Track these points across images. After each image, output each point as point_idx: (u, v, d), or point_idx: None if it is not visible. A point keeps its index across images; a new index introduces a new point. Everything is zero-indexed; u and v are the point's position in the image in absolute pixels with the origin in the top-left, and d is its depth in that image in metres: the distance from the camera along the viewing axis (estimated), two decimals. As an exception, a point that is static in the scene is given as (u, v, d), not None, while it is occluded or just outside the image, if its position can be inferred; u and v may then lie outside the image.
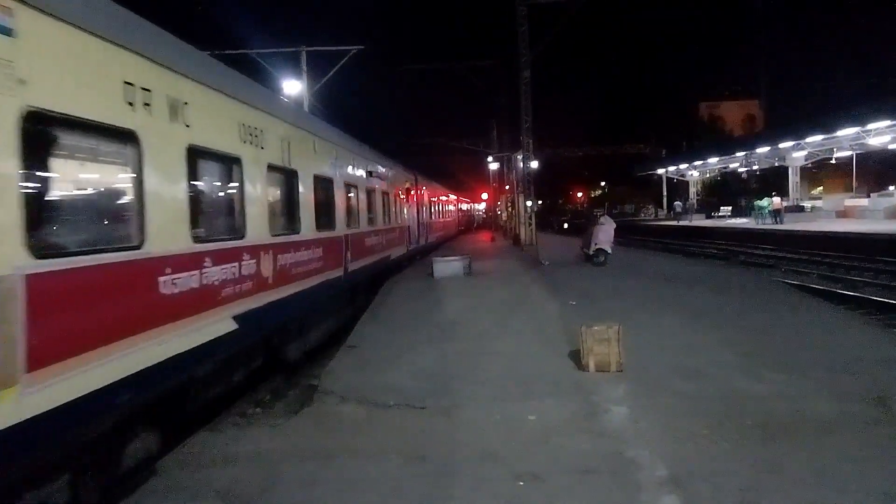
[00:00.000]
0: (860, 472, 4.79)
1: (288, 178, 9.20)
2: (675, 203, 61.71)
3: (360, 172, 14.10)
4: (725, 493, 4.56)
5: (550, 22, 27.53)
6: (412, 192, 23.49)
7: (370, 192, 15.11)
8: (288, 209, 9.22)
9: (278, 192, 8.95)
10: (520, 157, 31.49)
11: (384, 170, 17.31)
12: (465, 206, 61.74)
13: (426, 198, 28.59)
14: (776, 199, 40.67)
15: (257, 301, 7.50)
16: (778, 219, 39.56)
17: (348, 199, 12.72)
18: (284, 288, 8.48)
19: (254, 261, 7.50)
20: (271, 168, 8.35)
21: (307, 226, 9.73)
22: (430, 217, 30.61)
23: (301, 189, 9.51)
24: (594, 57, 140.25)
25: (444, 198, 38.63)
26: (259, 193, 7.88)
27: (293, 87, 24.68)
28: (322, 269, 10.34)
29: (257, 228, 7.73)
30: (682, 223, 50.99)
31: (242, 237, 7.30)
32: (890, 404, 6.19)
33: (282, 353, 9.23)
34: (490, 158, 50.01)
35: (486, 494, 4.75)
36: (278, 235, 8.40)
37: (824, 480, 4.69)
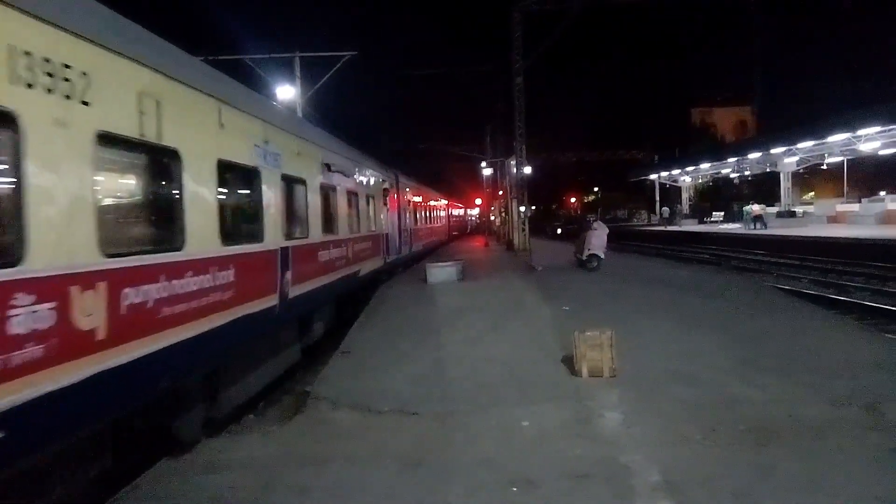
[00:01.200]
0: (852, 477, 4.81)
1: (155, 162, 5.71)
2: (663, 209, 62.91)
3: (311, 164, 10.44)
4: (719, 498, 4.58)
5: (545, 28, 27.65)
6: (392, 194, 19.94)
7: (328, 192, 11.40)
8: (154, 212, 5.80)
9: (130, 184, 5.61)
10: (513, 162, 31.57)
11: (350, 165, 13.66)
12: (457, 212, 60.44)
13: (410, 201, 25.05)
14: (755, 207, 43.03)
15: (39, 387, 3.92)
16: (759, 225, 40.70)
17: (289, 198, 9.16)
18: (136, 345, 4.95)
19: (49, 306, 4.00)
20: (109, 140, 4.83)
21: (201, 237, 6.22)
22: (416, 223, 26.81)
23: (188, 181, 6.01)
24: (588, 63, 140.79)
25: (432, 201, 35.35)
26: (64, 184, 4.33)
27: (287, 92, 24.67)
28: (233, 300, 6.75)
29: (56, 248, 4.19)
30: (669, 228, 51.83)
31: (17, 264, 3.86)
32: (882, 409, 6.22)
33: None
34: (484, 164, 50.09)
35: (480, 500, 4.75)
36: (125, 256, 4.96)
37: (817, 485, 4.71)
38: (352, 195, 13.52)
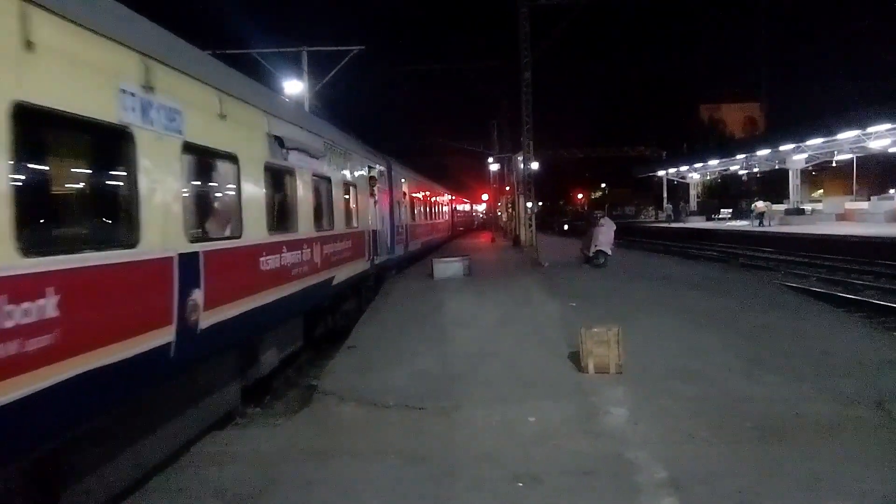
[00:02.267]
0: (858, 476, 4.79)
1: None
2: (667, 206, 63.13)
3: (248, 135, 7.55)
4: (724, 495, 4.57)
5: (552, 23, 27.52)
6: (383, 185, 16.88)
7: (279, 175, 8.66)
8: None
9: None
10: (520, 158, 31.50)
11: (318, 143, 10.40)
12: (462, 207, 59.17)
13: (406, 194, 22.29)
14: (759, 204, 43.74)
15: None
16: (762, 222, 41.11)
17: (200, 181, 6.67)
18: None
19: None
20: None
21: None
22: (413, 218, 24.11)
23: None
24: (595, 59, 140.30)
25: (433, 195, 32.06)
26: None
27: (295, 87, 24.69)
28: (52, 352, 3.94)
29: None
30: (673, 225, 51.99)
31: None
32: (889, 408, 6.19)
33: None
34: (490, 159, 50.03)
35: (485, 495, 4.75)
36: None
37: (822, 483, 4.69)
38: (321, 182, 10.48)
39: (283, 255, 8.29)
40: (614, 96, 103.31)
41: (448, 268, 18.14)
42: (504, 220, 50.25)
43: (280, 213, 8.65)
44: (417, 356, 8.92)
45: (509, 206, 44.48)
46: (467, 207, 65.34)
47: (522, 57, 27.37)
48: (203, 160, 6.53)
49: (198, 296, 5.90)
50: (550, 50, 28.45)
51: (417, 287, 16.23)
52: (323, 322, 11.44)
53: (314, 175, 10.07)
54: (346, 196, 12.44)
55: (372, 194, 15.20)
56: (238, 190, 7.09)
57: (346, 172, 12.47)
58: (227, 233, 6.99)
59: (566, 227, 63.27)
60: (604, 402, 6.68)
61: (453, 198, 46.28)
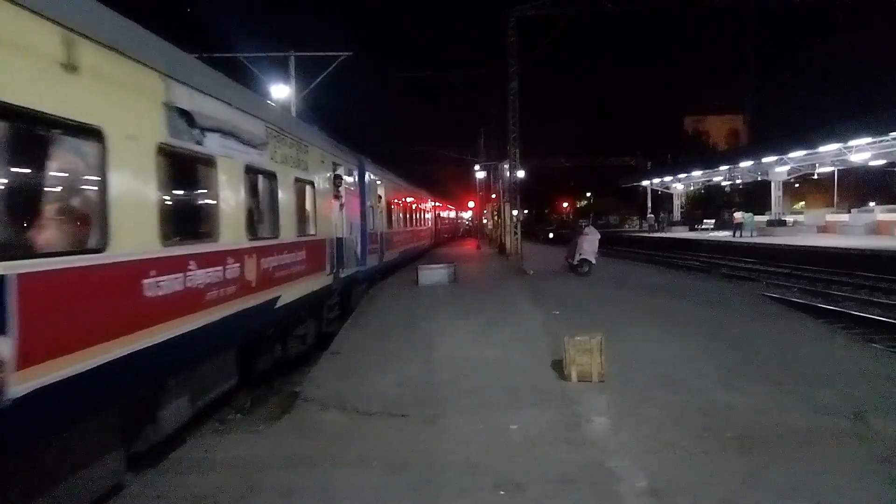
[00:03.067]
0: (837, 486, 4.84)
1: None
2: (649, 216, 64.06)
3: (129, 101, 5.41)
4: (704, 504, 4.59)
5: (539, 34, 27.73)
6: (352, 186, 14.74)
7: (193, 165, 6.64)
8: None
9: None
10: (506, 166, 31.62)
11: (254, 126, 8.15)
12: (449, 214, 58.29)
13: (383, 198, 19.57)
14: (737, 214, 45.19)
15: None
16: (742, 233, 41.76)
17: (27, 164, 4.42)
18: None
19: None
20: None
21: None
22: (390, 225, 21.39)
23: None
24: (582, 69, 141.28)
25: (414, 200, 29.41)
26: None
27: (281, 91, 24.63)
28: None
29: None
30: (654, 235, 52.65)
31: None
32: (868, 418, 6.26)
33: None
34: (477, 167, 50.15)
35: (467, 503, 4.74)
36: None
37: (802, 493, 4.73)
38: (260, 178, 8.36)
39: (189, 273, 6.02)
40: (600, 106, 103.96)
41: (433, 275, 18.15)
42: (490, 227, 50.33)
43: (186, 217, 6.49)
44: (401, 363, 8.90)
45: (495, 213, 44.58)
46: (452, 214, 64.84)
47: (509, 66, 27.53)
48: (25, 131, 4.25)
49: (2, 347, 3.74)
50: (537, 60, 28.61)
51: (402, 294, 16.21)
52: (268, 352, 9.22)
53: (250, 168, 7.77)
54: (300, 197, 10.10)
55: (337, 196, 12.62)
56: (103, 180, 4.87)
57: (301, 168, 10.14)
58: (78, 244, 4.70)
59: (551, 235, 63.50)
60: (586, 410, 6.70)
61: (437, 204, 44.92)
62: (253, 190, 8.09)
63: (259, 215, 8.34)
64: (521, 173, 31.36)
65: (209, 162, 6.73)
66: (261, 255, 7.99)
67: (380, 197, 19.02)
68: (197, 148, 6.42)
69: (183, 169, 6.37)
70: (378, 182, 18.79)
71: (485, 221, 56.14)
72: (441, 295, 15.70)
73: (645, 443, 5.79)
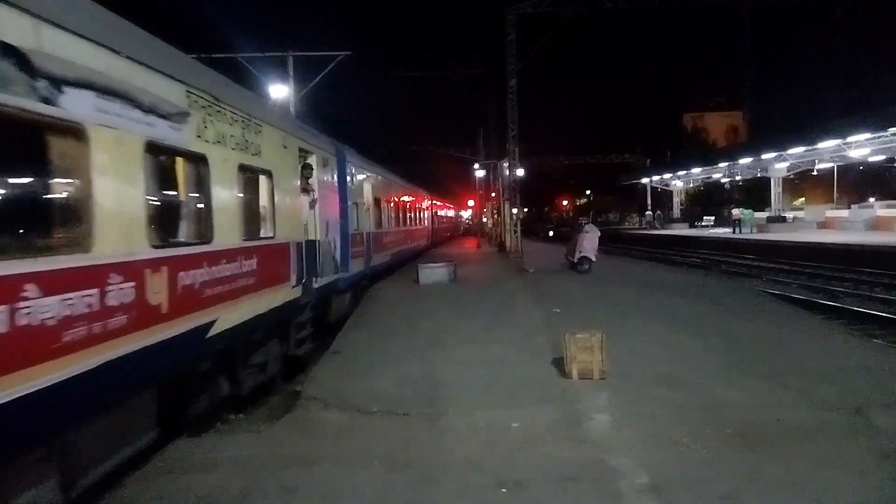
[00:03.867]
0: (838, 481, 4.84)
1: None
2: (647, 213, 64.40)
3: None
4: (705, 500, 4.60)
5: (538, 32, 27.72)
6: (327, 179, 12.50)
7: (40, 136, 4.29)
8: None
9: None
10: (506, 164, 31.62)
11: (170, 93, 6.01)
12: (447, 213, 57.17)
13: (370, 194, 17.26)
14: (735, 211, 44.99)
15: None
16: (741, 229, 41.94)
17: None
18: None
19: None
20: None
21: None
22: (379, 225, 18.84)
23: None
24: (581, 67, 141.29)
25: (407, 197, 26.85)
26: None
27: (280, 91, 24.62)
28: None
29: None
30: (657, 232, 53.22)
31: None
32: (868, 414, 6.27)
33: None
34: (476, 166, 50.14)
35: (468, 502, 4.74)
36: None
37: (803, 489, 4.74)
38: (180, 161, 6.42)
39: (30, 303, 3.91)
40: (600, 104, 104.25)
41: (433, 274, 18.14)
42: (490, 226, 50.33)
43: (29, 216, 4.38)
44: (402, 362, 8.90)
45: (495, 212, 44.58)
46: (451, 213, 64.05)
47: (508, 65, 27.52)
48: None
49: None
50: (536, 58, 28.57)
51: (402, 293, 16.21)
52: (206, 391, 7.14)
53: (155, 147, 5.64)
54: (248, 190, 7.96)
55: (307, 191, 10.68)
56: None
57: (250, 153, 7.88)
58: None
59: (551, 233, 63.55)
60: (587, 408, 6.70)
61: (435, 203, 43.40)
62: (162, 177, 5.93)
63: (172, 213, 6.27)
64: (520, 172, 31.37)
65: (74, 133, 4.51)
66: (177, 267, 5.86)
67: (367, 193, 16.81)
68: (47, 110, 4.22)
69: (21, 141, 4.25)
70: (364, 176, 16.54)
71: (485, 220, 56.14)
72: (441, 293, 15.70)
73: (646, 439, 5.79)
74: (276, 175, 8.65)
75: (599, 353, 7.63)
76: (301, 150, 10.35)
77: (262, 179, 8.37)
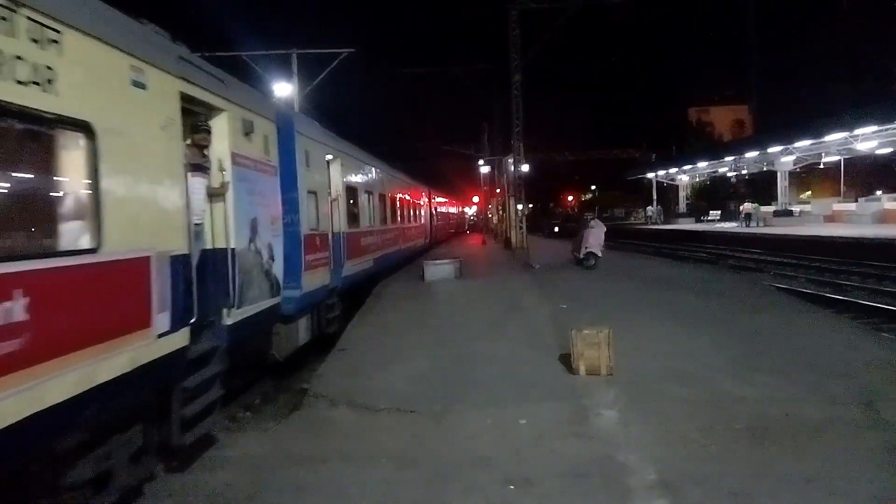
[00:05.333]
0: (848, 475, 4.81)
1: None
2: (648, 208, 64.88)
3: None
4: (716, 496, 4.58)
5: (542, 26, 27.60)
6: (255, 155, 8.07)
7: None
8: None
9: None
10: (511, 160, 31.57)
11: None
12: (449, 209, 54.71)
13: (341, 183, 13.09)
14: (746, 205, 45.68)
15: None
16: (749, 223, 42.48)
17: None
18: None
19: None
20: None
21: None
22: (356, 222, 14.56)
23: None
24: (585, 62, 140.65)
25: (398, 190, 22.63)
26: None
27: (284, 89, 24.64)
28: None
29: None
30: (663, 227, 53.66)
31: None
32: (878, 408, 6.23)
33: None
34: (481, 162, 50.09)
35: (477, 499, 4.74)
36: None
37: (813, 484, 4.71)
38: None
39: None
40: (604, 99, 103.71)
41: (439, 270, 18.12)
42: (495, 222, 50.28)
43: None
44: (408, 359, 8.90)
45: (500, 208, 44.53)
46: (454, 210, 62.81)
47: (512, 60, 27.45)
48: None
49: None
50: (540, 53, 28.47)
51: (408, 290, 16.20)
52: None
53: None
54: (20, 163, 4.20)
55: (199, 168, 6.65)
56: None
57: (18, 82, 3.86)
58: None
59: (556, 228, 63.45)
60: (595, 404, 6.68)
61: (440, 199, 40.57)
62: None
63: None
64: (525, 167, 31.27)
65: None
66: None
67: (335, 181, 12.75)
68: None
69: None
70: (330, 158, 12.38)
71: (490, 216, 56.09)
72: (447, 290, 15.68)
73: (654, 435, 5.77)
74: (109, 134, 4.82)
75: (607, 349, 7.60)
76: (188, 98, 6.12)
77: (65, 140, 4.49)
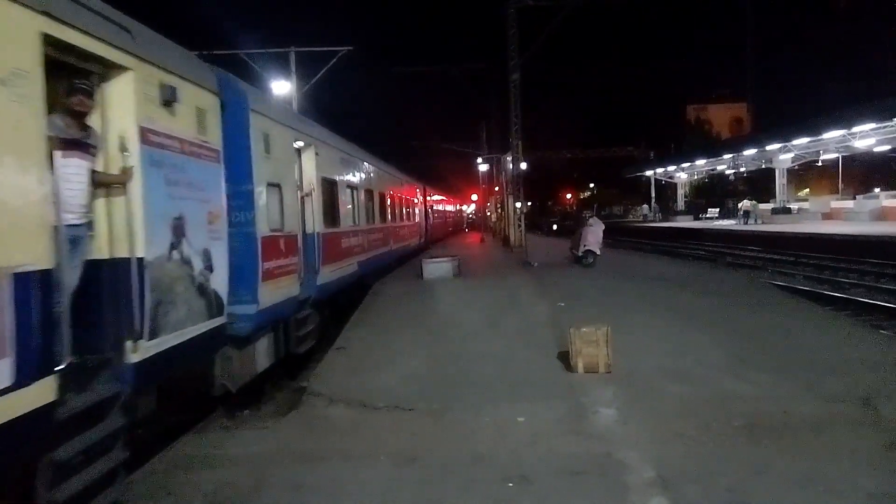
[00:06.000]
0: (846, 473, 4.82)
1: None
2: (644, 206, 65.51)
3: None
4: (713, 494, 4.58)
5: (540, 24, 27.60)
6: (186, 135, 6.17)
7: None
8: None
9: None
10: (509, 158, 31.55)
11: None
12: (446, 207, 53.37)
13: (310, 173, 10.92)
14: (745, 202, 45.98)
15: None
16: (747, 220, 42.90)
17: None
18: None
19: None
20: None
21: None
22: (334, 222, 12.56)
23: None
24: (583, 60, 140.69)
25: (389, 186, 20.77)
26: None
27: (282, 87, 24.61)
28: None
29: None
30: (661, 224, 54.25)
31: None
32: (876, 405, 6.24)
33: None
34: (479, 160, 50.06)
35: (475, 496, 4.74)
36: None
37: (811, 481, 4.72)
38: None
39: None
40: (603, 97, 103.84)
41: (437, 268, 18.10)
42: (493, 220, 50.26)
43: None
44: (407, 357, 8.90)
45: (498, 206, 44.53)
46: (451, 208, 61.97)
47: (510, 58, 27.42)
48: None
49: None
50: (539, 51, 28.47)
51: (406, 288, 16.19)
52: None
53: None
54: None
55: (77, 147, 4.72)
56: None
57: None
58: None
59: (555, 227, 63.46)
60: (593, 401, 6.69)
61: (431, 193, 36.94)
62: None
63: None
64: (523, 165, 31.25)
65: None
66: None
67: (308, 172, 10.84)
68: None
69: None
70: (301, 146, 10.55)
71: (488, 214, 56.07)
72: (445, 288, 15.67)
73: (653, 433, 5.78)
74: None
75: (605, 346, 7.61)
76: (60, 45, 4.45)
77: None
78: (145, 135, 5.39)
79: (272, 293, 8.25)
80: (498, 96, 34.36)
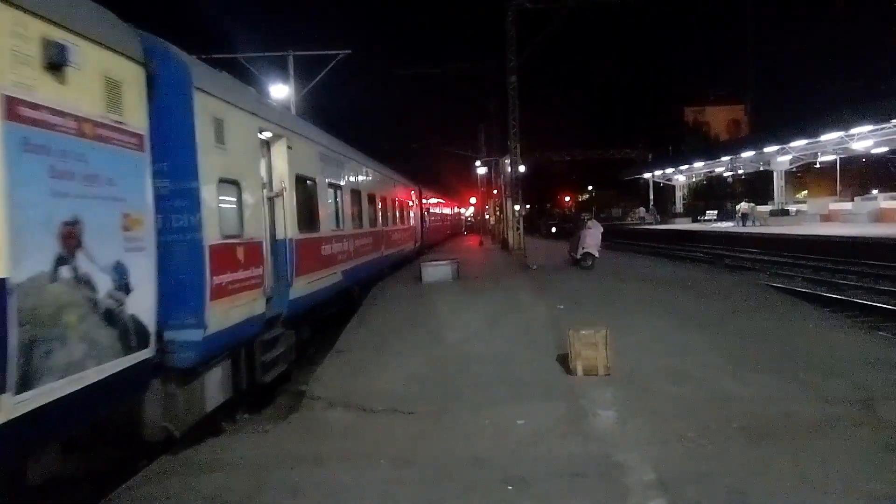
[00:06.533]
0: (845, 474, 4.83)
1: None
2: (640, 208, 68.40)
3: None
4: (712, 495, 4.59)
5: (539, 27, 27.66)
6: (77, 105, 4.69)
7: None
8: None
9: None
10: (507, 161, 31.57)
11: None
12: (443, 210, 52.13)
13: (282, 168, 9.57)
14: (743, 205, 46.20)
15: None
16: (746, 222, 43.05)
17: None
18: None
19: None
20: None
21: None
22: (312, 225, 11.07)
23: None
24: (582, 62, 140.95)
25: (379, 186, 19.12)
26: None
27: (281, 91, 24.63)
28: None
29: None
30: (660, 227, 54.34)
31: None
32: (874, 406, 6.25)
33: None
34: (478, 163, 50.06)
35: (475, 499, 4.74)
36: None
37: (810, 482, 4.72)
38: None
39: None
40: (601, 99, 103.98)
41: (436, 271, 18.11)
42: (492, 223, 50.23)
43: None
44: (406, 360, 8.90)
45: (497, 209, 44.52)
46: (448, 210, 61.18)
47: (508, 61, 27.47)
48: None
49: None
50: (537, 54, 28.56)
51: (405, 291, 16.19)
52: None
53: None
54: None
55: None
56: None
57: None
58: None
59: (553, 229, 63.46)
60: (592, 404, 6.69)
61: (427, 195, 35.42)
62: None
63: None
64: (522, 168, 31.29)
65: None
66: None
67: (279, 167, 9.64)
68: None
69: None
70: (269, 137, 9.31)
71: (487, 217, 56.04)
72: (444, 291, 15.67)
73: (652, 435, 5.78)
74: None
75: (604, 349, 7.62)
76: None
77: None
78: (13, 107, 4.08)
79: (227, 313, 6.87)
80: (496, 99, 34.41)
